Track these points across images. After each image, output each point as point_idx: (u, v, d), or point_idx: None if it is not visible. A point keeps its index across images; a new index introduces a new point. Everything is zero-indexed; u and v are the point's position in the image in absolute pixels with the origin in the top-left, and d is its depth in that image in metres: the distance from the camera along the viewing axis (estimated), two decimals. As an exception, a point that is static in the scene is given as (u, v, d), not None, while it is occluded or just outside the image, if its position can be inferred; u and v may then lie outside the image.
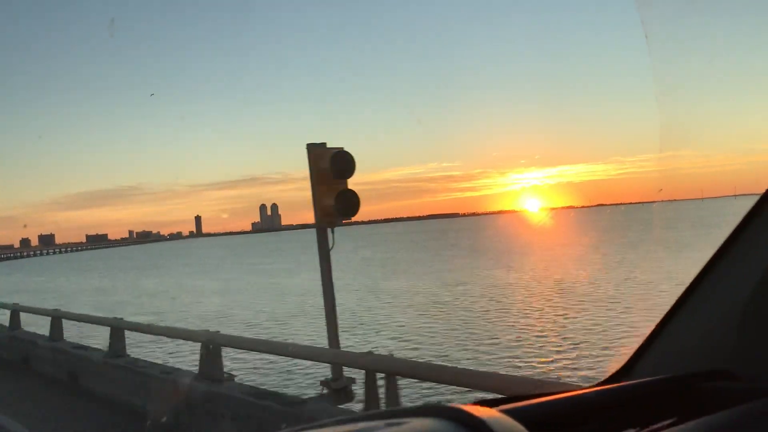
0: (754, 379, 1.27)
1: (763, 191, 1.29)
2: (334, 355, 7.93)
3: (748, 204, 1.32)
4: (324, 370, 8.76)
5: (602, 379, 1.45)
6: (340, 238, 8.33)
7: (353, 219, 8.52)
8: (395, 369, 6.36)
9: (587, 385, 1.29)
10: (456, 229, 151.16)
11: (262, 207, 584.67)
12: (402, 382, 6.64)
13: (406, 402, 11.35)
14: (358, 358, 7.05)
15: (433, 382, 8.35)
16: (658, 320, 1.44)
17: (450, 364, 11.86)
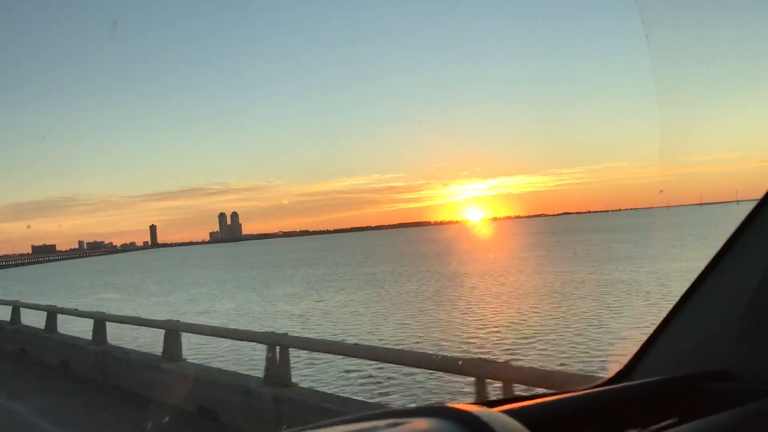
0: (754, 379, 1.29)
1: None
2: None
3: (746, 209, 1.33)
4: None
5: (603, 379, 1.46)
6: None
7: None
8: None
9: (588, 385, 1.28)
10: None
11: (221, 216, 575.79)
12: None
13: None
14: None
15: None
16: (659, 321, 1.45)
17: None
